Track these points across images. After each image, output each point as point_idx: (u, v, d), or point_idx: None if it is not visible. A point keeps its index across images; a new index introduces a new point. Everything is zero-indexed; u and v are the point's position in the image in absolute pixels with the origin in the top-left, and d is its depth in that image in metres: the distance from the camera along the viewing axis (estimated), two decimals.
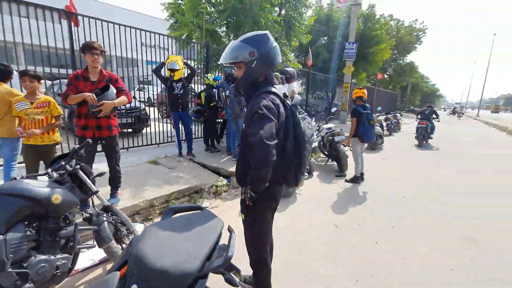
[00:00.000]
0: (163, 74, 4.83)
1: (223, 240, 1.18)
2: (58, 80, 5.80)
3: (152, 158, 4.71)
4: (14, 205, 1.48)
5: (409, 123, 17.79)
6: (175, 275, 0.90)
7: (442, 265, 2.49)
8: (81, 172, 1.90)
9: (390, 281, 2.24)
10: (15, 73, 3.13)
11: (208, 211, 1.33)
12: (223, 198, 3.85)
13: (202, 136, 6.34)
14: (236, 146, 5.17)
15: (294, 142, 1.41)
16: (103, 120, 2.78)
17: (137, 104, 6.75)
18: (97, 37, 4.49)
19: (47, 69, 4.60)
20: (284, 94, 1.52)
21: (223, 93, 5.33)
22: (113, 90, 2.72)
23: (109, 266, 2.25)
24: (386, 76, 27.13)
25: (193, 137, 6.42)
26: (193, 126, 6.54)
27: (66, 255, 1.72)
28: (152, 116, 6.56)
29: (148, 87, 13.78)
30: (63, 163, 1.86)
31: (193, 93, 8.05)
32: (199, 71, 8.03)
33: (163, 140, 5.95)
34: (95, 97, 2.57)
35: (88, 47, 2.60)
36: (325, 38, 15.01)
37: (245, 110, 3.22)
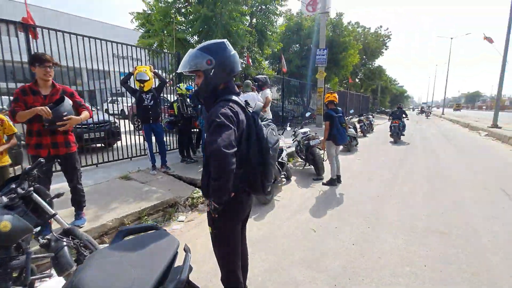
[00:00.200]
0: (132, 86, 4.68)
1: (180, 261, 1.10)
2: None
3: (123, 173, 4.50)
4: None
5: (381, 124, 18.59)
6: None
7: (417, 261, 2.56)
8: (35, 195, 1.74)
9: (367, 283, 2.26)
10: None
11: (163, 231, 1.24)
12: (199, 210, 3.73)
13: (177, 147, 6.18)
14: None
15: (258, 150, 1.39)
16: (59, 137, 2.59)
17: (108, 117, 6.47)
18: (58, 49, 4.30)
19: (3, 84, 4.30)
20: (246, 102, 1.50)
21: (184, 103, 5.30)
22: (68, 102, 2.56)
23: None
24: (357, 80, 28.35)
25: (168, 148, 6.26)
26: (168, 137, 6.37)
27: None
28: (124, 129, 6.29)
29: (121, 99, 13.34)
30: (14, 186, 1.69)
31: (166, 104, 7.88)
32: (171, 81, 7.90)
33: (136, 153, 5.72)
34: (49, 110, 2.39)
35: (39, 59, 2.44)
36: (297, 45, 15.44)
37: None
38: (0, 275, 1.52)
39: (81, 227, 2.71)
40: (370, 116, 14.03)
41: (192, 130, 6.02)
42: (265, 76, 7.47)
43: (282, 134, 5.59)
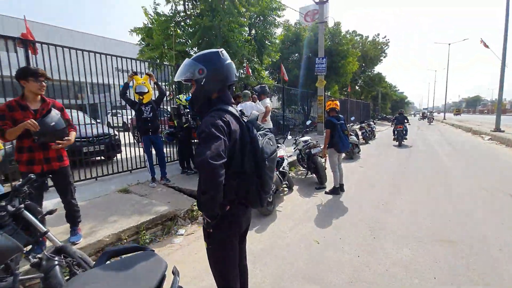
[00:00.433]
0: (131, 98, 4.68)
1: (169, 283, 1.03)
2: None
3: (122, 186, 4.44)
4: None
5: (383, 130, 18.51)
6: None
7: (426, 273, 2.44)
8: (26, 212, 1.68)
9: None
10: None
11: (150, 252, 1.17)
12: (199, 223, 3.64)
13: (177, 158, 6.13)
14: None
15: (253, 160, 1.33)
16: (52, 151, 2.54)
17: (108, 130, 6.47)
18: (58, 64, 4.33)
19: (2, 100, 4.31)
20: (241, 111, 1.46)
21: (180, 112, 5.29)
22: (55, 112, 2.51)
23: None
24: (357, 87, 28.48)
25: (168, 160, 6.21)
26: (168, 149, 6.33)
27: None
28: (124, 141, 6.29)
29: (122, 111, 13.43)
30: (4, 203, 1.64)
31: (166, 115, 7.89)
32: (172, 93, 7.94)
33: (136, 166, 5.67)
34: (35, 122, 2.32)
35: (33, 73, 2.39)
36: (296, 55, 15.57)
37: None
38: None
39: (77, 244, 2.64)
40: (371, 122, 13.97)
41: (192, 141, 5.98)
42: (264, 85, 7.49)
43: (283, 143, 5.53)
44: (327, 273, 2.47)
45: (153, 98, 4.76)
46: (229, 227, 1.40)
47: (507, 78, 15.73)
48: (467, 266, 2.52)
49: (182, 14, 8.76)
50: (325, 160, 5.52)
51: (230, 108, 1.37)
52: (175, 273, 1.06)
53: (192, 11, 8.74)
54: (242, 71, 10.23)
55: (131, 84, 4.66)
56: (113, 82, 5.08)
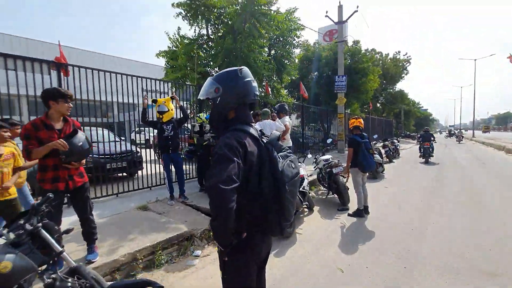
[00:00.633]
0: (152, 120, 4.80)
1: None
2: None
3: (142, 203, 4.45)
4: None
5: (408, 148, 17.72)
6: None
7: None
8: (43, 231, 1.67)
9: None
10: None
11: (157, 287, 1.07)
12: (216, 244, 3.51)
13: (196, 176, 6.14)
14: None
15: (272, 185, 1.22)
16: (74, 169, 2.59)
17: (130, 147, 6.67)
18: (86, 85, 4.57)
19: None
20: (261, 131, 1.38)
21: (199, 129, 5.31)
22: (81, 133, 2.57)
23: None
24: (378, 104, 27.87)
25: (187, 177, 6.23)
26: (187, 166, 6.37)
27: None
28: (146, 158, 6.43)
29: (145, 129, 13.93)
30: (23, 222, 1.64)
31: (188, 133, 8.04)
32: (194, 110, 8.14)
33: (156, 182, 5.73)
34: (65, 143, 2.38)
35: (63, 95, 2.48)
36: (315, 73, 15.61)
37: None
38: None
39: (93, 262, 2.62)
40: (395, 140, 13.43)
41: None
42: (283, 103, 7.47)
43: (303, 161, 5.38)
44: None
45: (175, 117, 4.86)
46: (246, 256, 1.29)
47: None
48: None
49: (204, 37, 9.15)
50: (347, 179, 5.27)
51: (248, 128, 1.29)
52: None
53: (214, 34, 9.11)
54: (261, 90, 10.36)
55: (152, 103, 4.81)
56: (136, 101, 5.29)
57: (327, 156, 5.86)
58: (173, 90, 8.03)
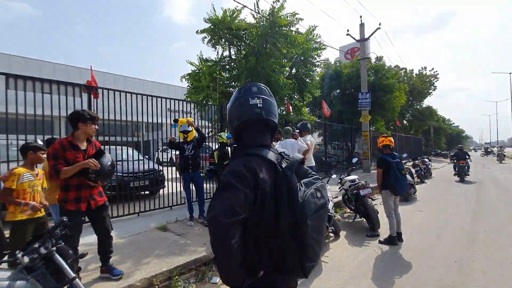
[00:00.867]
0: (177, 141, 4.84)
1: None
2: None
3: (161, 223, 4.39)
4: None
5: (440, 167, 16.56)
6: None
7: None
8: (57, 256, 1.61)
9: None
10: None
11: None
12: None
13: None
14: None
15: (291, 219, 1.01)
16: (94, 189, 2.61)
17: (154, 165, 6.78)
18: (114, 106, 4.75)
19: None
20: (281, 154, 1.18)
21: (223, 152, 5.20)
22: (108, 154, 2.63)
23: None
24: (405, 121, 26.76)
25: (208, 197, 6.14)
26: (208, 185, 6.31)
27: None
28: (168, 176, 6.48)
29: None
30: (37, 245, 1.60)
31: (209, 152, 8.08)
32: (214, 130, 8.22)
33: (177, 202, 5.69)
34: (97, 162, 2.44)
35: (92, 117, 2.58)
36: (337, 90, 15.40)
37: None
38: None
39: (120, 277, 2.65)
40: (426, 159, 12.60)
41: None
42: (305, 122, 7.31)
43: (327, 182, 5.11)
44: None
45: (196, 137, 4.88)
46: None
47: None
48: None
49: (227, 58, 9.42)
50: (374, 200, 4.91)
51: (263, 152, 1.12)
52: None
53: (237, 55, 9.35)
54: (282, 108, 10.32)
55: (174, 123, 4.88)
56: (161, 121, 5.42)
57: (353, 177, 5.53)
58: (195, 110, 8.21)
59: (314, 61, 10.16)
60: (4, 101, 3.76)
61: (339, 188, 5.73)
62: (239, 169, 1.03)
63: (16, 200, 2.53)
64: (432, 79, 26.54)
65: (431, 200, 7.26)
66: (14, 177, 2.55)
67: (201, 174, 5.21)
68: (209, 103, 8.67)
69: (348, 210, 5.70)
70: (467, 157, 11.18)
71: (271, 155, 1.11)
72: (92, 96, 4.58)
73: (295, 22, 8.11)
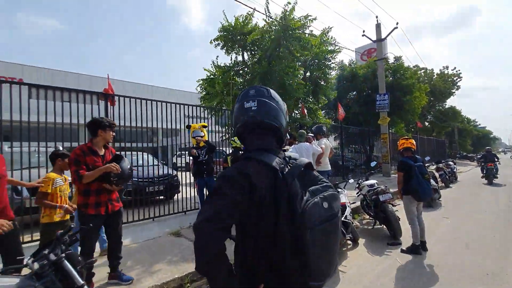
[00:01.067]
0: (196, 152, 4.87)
1: None
2: None
3: (175, 229, 4.39)
4: None
5: (466, 171, 15.68)
6: None
7: None
8: (66, 262, 1.61)
9: None
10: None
11: None
12: None
13: None
14: None
15: (291, 229, 0.90)
16: (112, 193, 2.66)
17: (168, 170, 6.85)
18: (130, 113, 4.86)
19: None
20: (285, 159, 1.07)
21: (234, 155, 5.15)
22: (126, 158, 2.71)
23: None
24: (426, 123, 25.69)
25: None
26: None
27: None
28: (183, 181, 6.53)
29: (186, 153, 14.53)
30: (47, 251, 1.60)
31: (223, 157, 8.08)
32: (228, 135, 8.23)
33: (191, 207, 5.70)
34: (118, 166, 2.52)
35: (110, 125, 2.68)
36: (353, 92, 15.04)
37: None
38: None
39: (131, 282, 2.66)
40: (450, 162, 11.96)
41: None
42: (320, 124, 7.15)
43: (344, 187, 4.93)
44: None
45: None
46: None
47: None
48: None
49: (240, 63, 9.46)
50: (395, 206, 4.67)
51: (261, 156, 1.03)
52: None
53: (250, 59, 9.37)
54: (297, 112, 10.18)
55: (187, 129, 4.92)
56: (176, 126, 5.47)
57: (371, 181, 5.29)
58: (210, 115, 8.28)
59: (329, 63, 10.00)
60: (28, 110, 3.93)
61: (357, 193, 5.51)
62: (231, 175, 0.97)
63: (51, 203, 2.67)
64: (454, 78, 25.39)
65: (458, 205, 6.83)
66: (49, 182, 2.69)
67: (215, 179, 5.19)
68: (223, 108, 8.71)
69: (367, 216, 5.46)
70: (496, 159, 10.66)
71: (272, 160, 1.01)
72: (108, 103, 4.71)
73: (308, 24, 8.01)
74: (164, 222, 4.89)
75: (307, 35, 8.44)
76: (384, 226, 4.63)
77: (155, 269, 2.99)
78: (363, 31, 12.07)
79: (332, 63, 10.11)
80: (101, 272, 2.75)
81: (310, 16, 7.93)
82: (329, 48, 9.61)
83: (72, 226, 2.85)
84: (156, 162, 6.44)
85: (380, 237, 4.56)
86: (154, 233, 4.25)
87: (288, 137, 5.62)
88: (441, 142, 25.76)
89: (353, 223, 4.46)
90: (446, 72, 25.53)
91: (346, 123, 13.14)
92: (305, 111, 10.12)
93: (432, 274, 3.19)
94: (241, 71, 9.67)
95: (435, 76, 24.91)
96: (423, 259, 3.61)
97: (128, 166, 2.69)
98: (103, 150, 2.71)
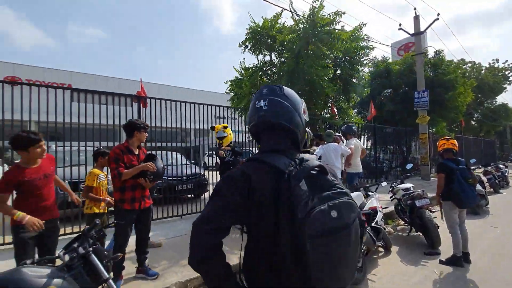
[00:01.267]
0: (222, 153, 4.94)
1: None
2: None
3: None
4: None
5: None
6: None
7: None
8: (93, 256, 1.69)
9: None
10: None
11: None
12: None
13: None
14: None
15: (290, 237, 0.83)
16: (145, 190, 2.82)
17: (195, 169, 7.05)
18: (160, 114, 5.06)
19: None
20: (295, 160, 0.96)
21: None
22: (159, 158, 2.86)
23: None
24: (472, 122, 23.45)
25: None
26: None
27: None
28: (211, 180, 6.67)
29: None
30: (76, 245, 1.70)
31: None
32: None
33: None
34: (154, 164, 2.69)
35: (145, 126, 2.85)
36: (388, 89, 14.20)
37: None
38: None
39: (156, 277, 2.77)
40: (501, 165, 10.75)
41: None
42: (351, 124, 6.85)
43: (375, 190, 4.65)
44: None
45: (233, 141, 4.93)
46: None
47: None
48: None
49: (268, 63, 9.43)
50: (436, 214, 4.28)
51: (268, 157, 0.98)
52: None
53: (278, 58, 9.30)
54: (326, 111, 9.87)
55: (211, 130, 5.02)
56: (204, 127, 5.60)
57: (407, 185, 4.92)
58: (238, 116, 8.37)
59: (362, 59, 9.52)
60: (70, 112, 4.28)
61: (390, 197, 5.17)
62: (233, 175, 0.97)
63: (96, 197, 2.93)
64: (506, 72, 22.87)
65: (508, 213, 6.10)
66: (94, 177, 2.97)
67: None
68: None
69: (402, 222, 5.10)
70: None
71: (280, 161, 0.95)
72: (141, 105, 4.95)
73: (337, 20, 7.72)
74: (191, 220, 4.97)
75: (336, 30, 8.14)
76: (421, 234, 4.28)
77: (180, 266, 3.06)
78: (400, 25, 11.34)
79: (365, 59, 9.62)
80: (130, 266, 2.88)
81: (340, 11, 7.64)
82: (361, 45, 9.17)
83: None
84: (185, 162, 6.65)
85: (415, 245, 4.22)
86: (181, 230, 4.39)
87: (313, 137, 5.46)
88: (490, 143, 23.29)
89: (385, 229, 4.19)
90: (496, 65, 23.12)
91: (380, 122, 12.45)
92: (335, 110, 9.78)
93: None
94: (268, 71, 9.62)
95: (484, 70, 22.66)
96: (465, 273, 3.26)
97: (162, 165, 2.86)
98: (137, 149, 2.88)
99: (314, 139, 5.44)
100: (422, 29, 11.19)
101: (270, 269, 0.91)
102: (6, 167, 4.51)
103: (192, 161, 8.79)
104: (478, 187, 6.28)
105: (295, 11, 8.01)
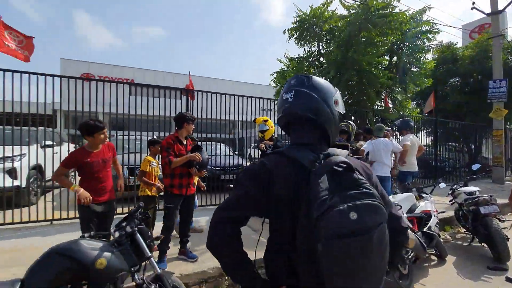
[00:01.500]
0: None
1: None
2: None
3: None
4: (59, 266, 1.53)
5: None
6: None
7: None
8: (138, 235, 1.88)
9: None
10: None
11: None
12: None
13: None
14: None
15: (306, 233, 0.81)
16: (191, 178, 3.04)
17: (241, 160, 7.25)
18: (206, 107, 5.29)
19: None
20: (327, 154, 0.90)
21: None
22: (204, 150, 3.05)
23: None
24: None
25: None
26: None
27: None
28: None
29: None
30: (124, 224, 1.90)
31: None
32: None
33: None
34: (200, 154, 2.90)
35: (193, 118, 3.07)
36: (456, 78, 12.45)
37: None
38: None
39: (196, 260, 2.96)
40: None
41: None
42: (407, 119, 6.23)
43: (430, 192, 4.19)
44: None
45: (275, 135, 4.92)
46: None
47: None
48: None
49: (315, 53, 9.07)
50: (506, 225, 3.69)
51: (291, 150, 0.96)
52: None
53: (325, 49, 8.88)
54: (379, 103, 9.12)
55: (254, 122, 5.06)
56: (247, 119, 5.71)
57: (471, 188, 4.30)
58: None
59: (424, 46, 8.48)
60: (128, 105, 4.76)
61: (450, 201, 4.60)
62: (254, 168, 0.99)
63: (148, 181, 3.27)
64: None
65: None
66: (147, 163, 3.31)
67: None
68: None
69: (463, 230, 4.52)
70: None
71: (304, 156, 0.91)
72: (189, 98, 5.25)
73: (394, 3, 6.99)
74: None
75: (394, 12, 7.37)
76: (485, 245, 3.73)
77: None
78: (473, 3, 9.75)
79: (429, 45, 8.54)
80: (173, 248, 3.13)
81: None
82: (423, 29, 8.16)
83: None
84: (229, 153, 6.87)
85: (477, 257, 3.70)
86: None
87: (361, 131, 5.12)
88: None
89: (440, 236, 3.76)
90: None
91: (443, 116, 11.05)
92: (389, 102, 8.97)
93: None
94: (316, 62, 9.26)
95: None
96: None
97: (207, 156, 3.07)
98: (185, 140, 3.10)
99: (361, 133, 5.11)
100: (500, 7, 9.44)
101: (289, 264, 0.92)
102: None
103: (236, 153, 9.06)
104: None
105: None
